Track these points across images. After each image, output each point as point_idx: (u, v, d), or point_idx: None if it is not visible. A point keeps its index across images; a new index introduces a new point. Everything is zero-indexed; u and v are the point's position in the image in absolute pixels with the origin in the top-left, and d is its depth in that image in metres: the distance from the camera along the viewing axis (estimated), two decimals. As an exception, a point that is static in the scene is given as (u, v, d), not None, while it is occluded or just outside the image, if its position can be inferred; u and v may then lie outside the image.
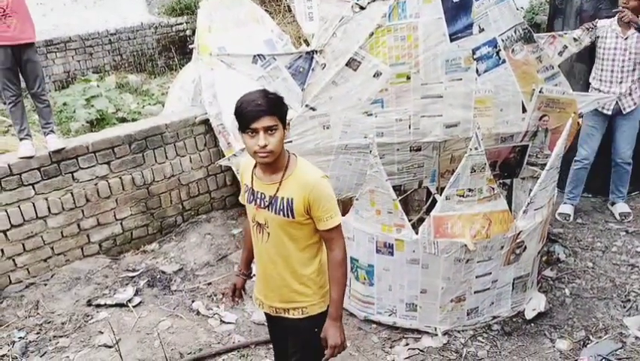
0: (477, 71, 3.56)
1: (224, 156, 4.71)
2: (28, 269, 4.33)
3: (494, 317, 3.77)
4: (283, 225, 2.27)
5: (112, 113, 7.43)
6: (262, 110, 2.10)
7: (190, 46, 7.34)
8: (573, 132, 3.75)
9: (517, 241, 3.54)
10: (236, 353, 3.60)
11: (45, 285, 4.28)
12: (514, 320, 3.80)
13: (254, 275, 2.67)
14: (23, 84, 4.41)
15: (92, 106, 7.30)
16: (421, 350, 3.58)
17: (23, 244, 4.28)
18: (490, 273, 3.58)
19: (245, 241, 2.62)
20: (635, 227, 4.80)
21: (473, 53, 3.52)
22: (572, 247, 4.57)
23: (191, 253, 4.70)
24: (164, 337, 3.69)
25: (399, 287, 3.63)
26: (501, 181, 4.11)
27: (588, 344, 3.58)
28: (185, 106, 5.40)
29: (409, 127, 3.66)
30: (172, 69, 10.11)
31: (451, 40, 3.46)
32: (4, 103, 4.60)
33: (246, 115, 2.12)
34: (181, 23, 10.84)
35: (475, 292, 3.62)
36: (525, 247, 3.62)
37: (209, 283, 4.35)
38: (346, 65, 3.47)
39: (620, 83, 4.56)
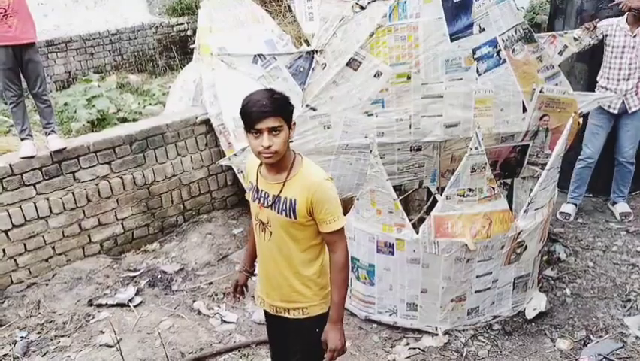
0: (477, 70, 3.56)
1: (225, 155, 4.71)
2: (29, 269, 4.34)
3: (495, 317, 3.77)
4: (285, 225, 2.27)
5: (113, 113, 7.43)
6: (266, 110, 2.08)
7: (191, 46, 7.34)
8: (573, 132, 3.75)
9: (518, 240, 3.54)
10: (237, 353, 3.60)
11: (46, 285, 4.29)
12: (514, 319, 3.80)
13: (256, 273, 2.68)
14: (24, 84, 4.42)
15: (93, 106, 7.30)
16: (422, 350, 3.58)
17: (24, 244, 4.28)
18: (491, 272, 3.58)
19: (249, 238, 2.62)
20: (636, 227, 4.80)
21: (474, 53, 3.52)
22: (573, 247, 4.57)
23: (192, 253, 4.71)
24: (165, 336, 3.70)
25: (399, 287, 3.63)
26: (502, 181, 4.12)
27: (589, 343, 3.59)
28: (186, 106, 5.41)
29: (410, 127, 3.66)
30: (173, 69, 10.12)
31: (452, 40, 3.47)
32: (6, 103, 4.61)
33: (251, 115, 2.10)
34: (182, 23, 10.85)
35: (475, 292, 3.62)
36: (525, 247, 3.62)
37: (210, 283, 4.35)
38: (347, 64, 3.48)
39: (628, 80, 4.57)
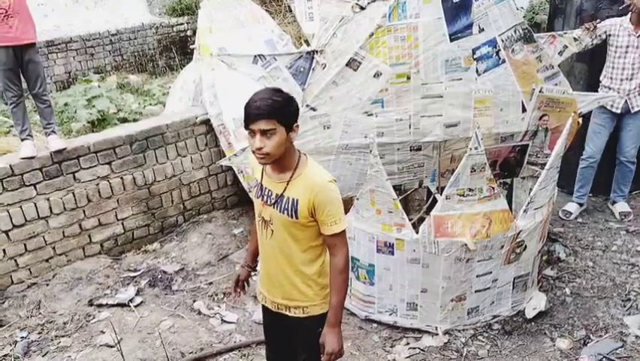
0: (477, 70, 3.57)
1: (225, 156, 4.72)
2: (30, 269, 4.35)
3: (495, 316, 3.78)
4: (287, 224, 2.27)
5: (113, 113, 7.44)
6: (258, 113, 2.09)
7: (191, 46, 7.34)
8: (573, 132, 3.76)
9: (518, 240, 3.55)
10: (237, 353, 3.61)
11: (47, 285, 4.29)
12: (514, 319, 3.81)
13: (258, 269, 2.69)
14: (24, 85, 4.43)
15: (93, 106, 7.31)
16: (422, 350, 3.59)
17: (25, 245, 4.29)
18: (491, 272, 3.59)
19: (252, 233, 2.63)
20: (636, 226, 4.81)
21: (473, 53, 3.52)
22: (573, 247, 4.57)
23: (192, 253, 4.71)
24: (166, 336, 3.70)
25: (399, 287, 3.64)
26: (501, 181, 4.12)
27: (588, 343, 3.59)
28: (186, 106, 5.41)
29: (409, 127, 3.67)
30: (173, 69, 10.12)
31: (451, 40, 3.47)
32: (6, 104, 4.62)
33: (246, 115, 2.13)
34: (182, 24, 10.85)
35: (475, 292, 3.63)
36: (525, 247, 3.62)
37: (211, 283, 4.36)
38: (346, 65, 3.48)
39: (631, 79, 4.57)
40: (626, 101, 4.62)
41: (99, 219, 4.61)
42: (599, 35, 4.56)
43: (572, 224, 4.91)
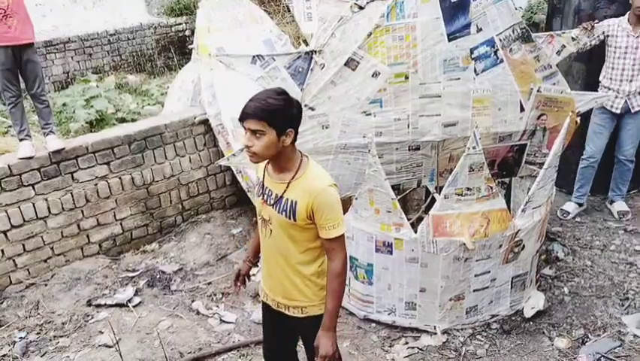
0: (475, 70, 3.57)
1: (223, 156, 4.72)
2: (28, 270, 4.35)
3: (493, 316, 3.78)
4: (285, 225, 2.28)
5: (111, 113, 7.43)
6: (248, 112, 2.12)
7: (189, 46, 7.35)
8: (571, 131, 3.76)
9: (516, 239, 3.55)
10: (235, 353, 3.61)
11: (45, 285, 4.29)
12: (513, 318, 3.81)
13: (259, 265, 2.70)
14: (23, 85, 4.42)
15: (92, 106, 7.30)
16: (421, 349, 3.59)
17: (23, 245, 4.29)
18: (489, 271, 3.59)
19: (256, 230, 2.64)
20: (634, 226, 4.81)
21: (471, 53, 3.53)
22: (571, 246, 4.58)
23: (190, 253, 4.71)
24: (164, 336, 3.70)
25: (398, 286, 3.64)
26: (500, 180, 4.12)
27: (587, 342, 3.60)
28: (185, 106, 5.41)
29: (408, 126, 3.67)
30: (171, 69, 10.12)
31: (449, 39, 3.48)
32: (4, 104, 4.61)
33: (241, 112, 2.15)
34: (180, 23, 10.85)
35: (474, 291, 3.63)
36: (523, 246, 3.63)
37: (209, 283, 4.36)
38: (345, 64, 3.49)
39: (631, 81, 4.57)
40: (625, 101, 4.62)
41: (97, 220, 4.61)
42: (598, 36, 4.56)
43: (570, 223, 4.92)
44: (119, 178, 4.63)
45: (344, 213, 3.56)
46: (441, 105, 3.62)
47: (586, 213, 5.06)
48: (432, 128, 3.68)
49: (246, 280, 2.72)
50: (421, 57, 3.49)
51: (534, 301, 3.85)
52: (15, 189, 4.16)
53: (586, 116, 4.56)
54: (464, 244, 3.38)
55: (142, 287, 4.28)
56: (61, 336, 3.77)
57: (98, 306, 4.06)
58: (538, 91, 3.68)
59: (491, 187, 3.39)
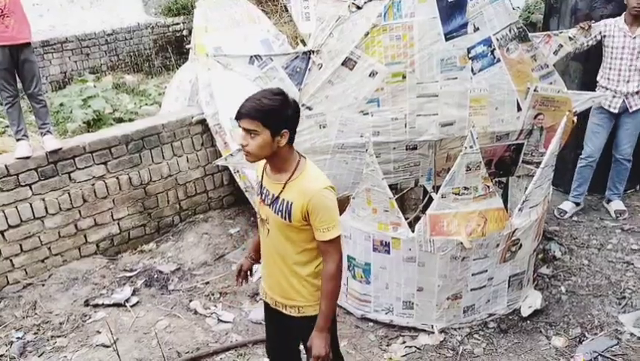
0: (472, 69, 3.58)
1: (221, 155, 4.72)
2: (25, 270, 4.34)
3: (490, 315, 3.79)
4: (281, 226, 2.29)
5: (109, 113, 7.42)
6: (242, 112, 2.13)
7: (187, 46, 7.33)
8: (568, 130, 3.77)
9: (513, 238, 3.56)
10: (233, 352, 3.61)
11: (43, 285, 4.28)
12: (510, 317, 3.82)
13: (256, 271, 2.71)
14: (20, 85, 4.42)
15: (89, 106, 7.29)
16: (418, 348, 3.60)
17: (21, 245, 4.28)
18: (486, 271, 3.60)
19: (257, 226, 2.65)
20: (631, 225, 4.82)
21: (468, 52, 3.54)
22: (568, 245, 4.59)
23: (188, 253, 4.71)
24: (162, 336, 3.70)
25: (395, 285, 3.65)
26: (497, 179, 4.13)
27: (584, 340, 3.61)
28: (182, 106, 5.41)
29: (405, 126, 3.68)
30: (169, 69, 10.11)
31: (446, 39, 3.48)
32: (1, 104, 4.60)
33: (237, 111, 2.16)
34: (177, 23, 10.84)
35: (471, 290, 3.63)
36: (521, 245, 3.64)
37: (207, 283, 4.36)
38: (342, 64, 3.49)
39: (628, 82, 4.57)
40: (623, 100, 4.63)
41: (95, 220, 4.60)
42: (595, 36, 4.56)
43: (567, 223, 4.93)
44: (117, 178, 4.63)
45: (341, 213, 3.60)
46: (438, 105, 3.63)
47: (583, 213, 5.07)
48: (429, 127, 3.69)
49: (248, 276, 2.72)
50: (418, 56, 3.50)
51: (531, 300, 3.86)
52: (12, 189, 4.16)
53: (584, 116, 4.57)
54: (461, 243, 3.39)
55: (139, 287, 4.27)
56: (59, 336, 3.77)
57: (96, 306, 4.06)
58: (535, 90, 3.69)
59: (488, 186, 3.40)
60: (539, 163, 3.66)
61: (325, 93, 3.53)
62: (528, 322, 3.79)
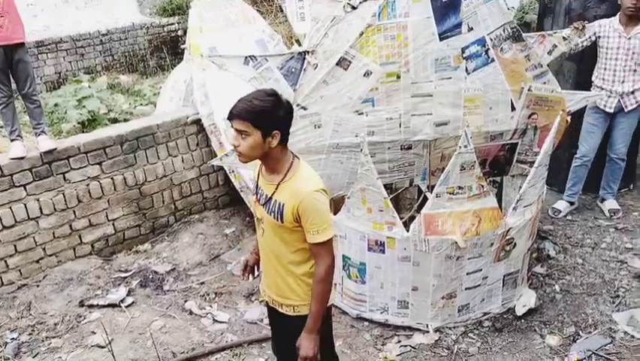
0: (466, 69, 3.59)
1: (216, 155, 4.72)
2: (20, 270, 4.33)
3: (485, 314, 3.80)
4: (274, 226, 2.30)
5: (103, 113, 7.40)
6: (233, 112, 2.15)
7: (182, 46, 7.33)
8: (561, 130, 3.78)
9: (507, 237, 3.57)
10: (229, 352, 3.61)
11: (37, 286, 4.27)
12: (504, 316, 3.83)
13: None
14: (14, 85, 4.40)
15: (84, 107, 7.27)
16: (413, 347, 3.61)
17: (15, 246, 4.27)
18: (481, 270, 3.61)
19: None
20: (624, 224, 4.84)
21: (462, 52, 3.55)
22: (562, 244, 4.61)
23: (183, 253, 4.71)
24: (157, 337, 3.70)
25: (390, 285, 3.65)
26: (491, 179, 4.14)
27: (578, 339, 3.62)
28: (177, 106, 5.40)
29: (400, 126, 3.69)
30: (164, 69, 10.09)
31: (441, 39, 3.49)
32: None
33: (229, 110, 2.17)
34: (172, 23, 10.82)
35: (465, 289, 3.65)
36: (515, 244, 3.65)
37: (202, 283, 4.36)
38: (337, 64, 3.50)
39: (623, 82, 4.59)
40: (619, 100, 4.65)
41: (90, 220, 4.59)
42: (589, 37, 4.57)
43: (561, 222, 4.95)
44: (111, 178, 4.62)
45: (336, 213, 3.61)
46: (432, 104, 3.64)
47: (577, 212, 5.09)
48: (424, 127, 3.70)
49: (255, 269, 2.73)
50: (412, 56, 3.51)
51: (525, 299, 3.87)
52: (6, 190, 4.15)
53: (578, 115, 4.59)
54: (456, 242, 3.40)
55: (134, 287, 4.27)
56: (54, 337, 3.76)
57: (91, 306, 4.05)
58: (528, 90, 3.71)
59: (482, 186, 3.41)
60: (533, 162, 3.67)
61: (320, 93, 3.54)
62: (522, 321, 3.80)
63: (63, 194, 4.40)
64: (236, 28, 5.37)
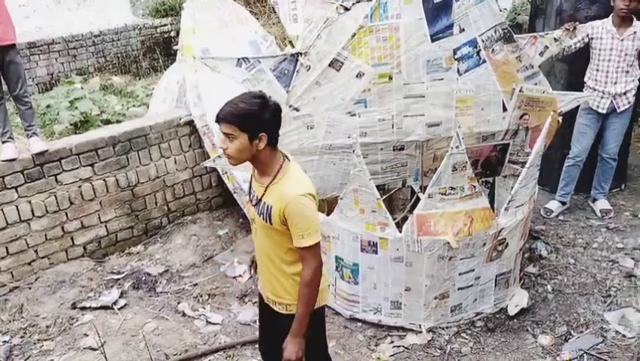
0: (458, 70, 3.61)
1: (209, 157, 4.71)
2: (12, 273, 4.30)
3: (477, 314, 3.82)
4: (265, 227, 2.32)
5: (96, 115, 7.36)
6: (219, 116, 2.16)
7: (174, 47, 7.30)
8: (553, 130, 3.81)
9: (499, 238, 3.59)
10: (222, 354, 3.60)
11: (29, 288, 4.25)
12: (497, 316, 3.85)
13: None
14: (5, 87, 4.38)
15: (76, 108, 7.22)
16: (406, 348, 3.61)
17: (7, 248, 4.24)
18: (473, 270, 3.62)
19: None
20: (616, 223, 4.87)
21: (454, 53, 3.57)
22: (554, 244, 4.63)
23: (176, 255, 4.70)
24: (150, 339, 3.69)
25: (383, 285, 3.66)
26: (483, 179, 4.16)
27: (570, 339, 3.64)
28: (170, 107, 5.39)
29: (392, 127, 3.70)
30: (156, 70, 10.06)
31: (432, 40, 3.51)
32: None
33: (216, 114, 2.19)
34: (165, 25, 10.79)
35: (458, 289, 3.66)
36: (507, 244, 3.66)
37: (195, 285, 4.35)
38: (329, 65, 3.51)
39: (615, 83, 4.60)
40: (611, 101, 4.67)
41: (82, 222, 4.57)
42: (582, 39, 4.58)
43: (553, 222, 4.97)
44: (104, 180, 4.60)
45: (329, 214, 3.61)
46: (425, 105, 3.66)
47: (569, 212, 5.11)
48: (416, 128, 3.71)
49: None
50: (404, 58, 3.52)
51: (518, 299, 3.89)
52: (-3, 192, 4.13)
53: (570, 116, 4.61)
54: (448, 242, 3.41)
55: (127, 289, 4.25)
56: (46, 340, 3.74)
57: (83, 309, 4.04)
58: (520, 91, 3.73)
59: (474, 186, 3.43)
60: (525, 163, 3.69)
61: (312, 94, 3.55)
62: (515, 320, 3.82)
63: (55, 196, 4.38)
64: (229, 30, 5.36)
